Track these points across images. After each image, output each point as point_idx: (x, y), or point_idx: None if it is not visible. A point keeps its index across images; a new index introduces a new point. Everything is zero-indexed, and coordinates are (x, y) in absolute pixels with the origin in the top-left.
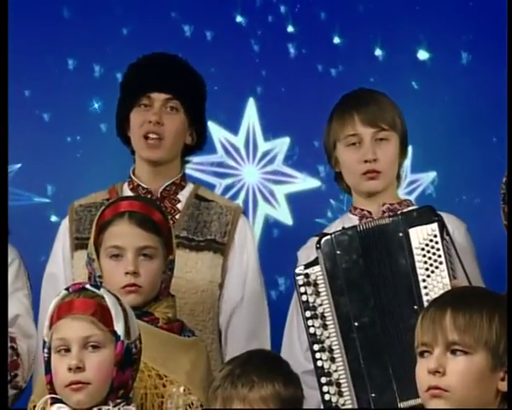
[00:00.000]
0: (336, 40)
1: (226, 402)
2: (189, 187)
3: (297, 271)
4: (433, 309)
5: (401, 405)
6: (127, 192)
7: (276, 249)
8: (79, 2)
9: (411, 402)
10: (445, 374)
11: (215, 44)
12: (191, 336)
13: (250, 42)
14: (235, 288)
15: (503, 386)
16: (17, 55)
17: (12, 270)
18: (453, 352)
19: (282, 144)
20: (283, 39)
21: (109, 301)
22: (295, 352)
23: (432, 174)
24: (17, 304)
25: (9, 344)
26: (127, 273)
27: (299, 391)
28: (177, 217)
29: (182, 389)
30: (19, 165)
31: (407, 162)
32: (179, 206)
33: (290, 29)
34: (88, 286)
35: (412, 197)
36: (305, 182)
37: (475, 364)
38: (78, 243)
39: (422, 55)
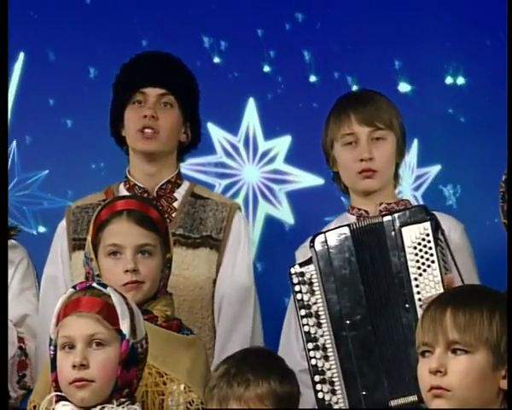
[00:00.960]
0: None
1: (222, 402)
2: (185, 185)
3: (292, 270)
4: (434, 309)
5: (392, 403)
6: (123, 192)
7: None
8: (101, 14)
9: (402, 400)
10: (447, 374)
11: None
12: (189, 334)
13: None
14: (225, 284)
15: (505, 384)
16: (42, 66)
17: (20, 270)
18: (454, 351)
19: (284, 143)
20: (296, 42)
21: (115, 299)
22: (292, 350)
23: (437, 168)
24: (26, 304)
25: (18, 344)
26: (127, 271)
27: (295, 388)
28: (173, 215)
29: (182, 386)
30: (46, 171)
31: (413, 158)
32: (175, 204)
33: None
34: (95, 285)
35: (419, 192)
36: (312, 180)
37: (477, 363)
38: (76, 244)
39: None
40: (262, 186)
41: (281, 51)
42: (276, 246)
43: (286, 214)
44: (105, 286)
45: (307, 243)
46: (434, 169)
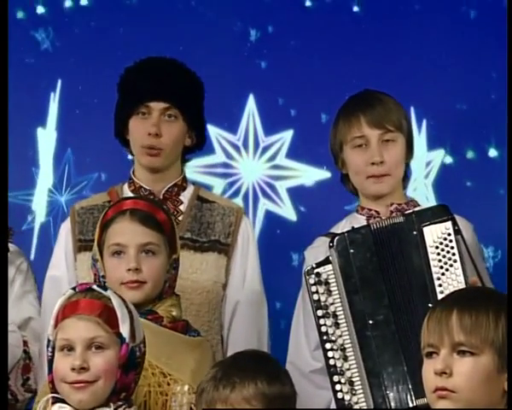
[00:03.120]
0: None
1: (210, 406)
2: (190, 188)
3: (308, 270)
4: (439, 310)
5: (417, 402)
6: (128, 193)
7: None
8: None
9: (427, 400)
10: (452, 375)
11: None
12: (196, 335)
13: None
14: (236, 289)
15: None
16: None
17: (22, 272)
18: (459, 353)
19: (286, 137)
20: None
21: (115, 302)
22: (302, 351)
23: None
24: (29, 307)
25: (22, 348)
26: (129, 270)
27: (287, 388)
28: (180, 218)
29: (186, 387)
30: (96, 174)
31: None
32: (181, 207)
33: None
34: (95, 287)
35: (429, 180)
36: (317, 174)
37: (482, 365)
38: (82, 245)
39: None
40: (262, 183)
41: None
42: (278, 244)
43: (288, 211)
44: (105, 288)
45: (316, 243)
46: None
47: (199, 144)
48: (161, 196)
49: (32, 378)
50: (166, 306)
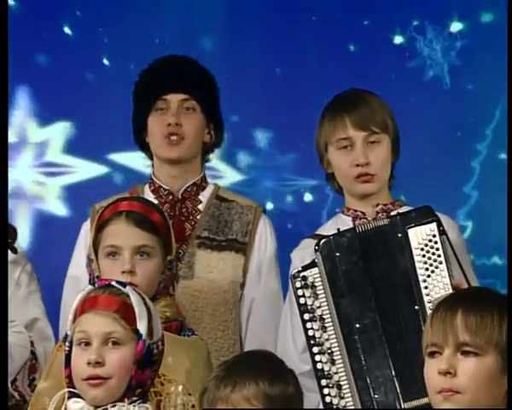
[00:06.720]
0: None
1: (211, 405)
2: (210, 188)
3: (294, 273)
4: (444, 309)
5: (405, 405)
6: (148, 194)
7: None
8: None
9: (415, 402)
10: (456, 375)
11: None
12: (191, 335)
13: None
14: (252, 287)
15: None
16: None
17: (27, 272)
18: (464, 353)
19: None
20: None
21: (134, 299)
22: (290, 354)
23: None
24: (35, 307)
25: (30, 348)
26: (123, 272)
27: (291, 388)
28: (198, 217)
29: (180, 387)
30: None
31: None
32: (200, 207)
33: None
34: (114, 283)
35: None
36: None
37: (486, 365)
38: None
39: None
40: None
41: None
42: None
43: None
44: (124, 285)
45: (302, 245)
46: None
47: (217, 142)
48: (180, 196)
49: (38, 378)
50: (160, 306)
